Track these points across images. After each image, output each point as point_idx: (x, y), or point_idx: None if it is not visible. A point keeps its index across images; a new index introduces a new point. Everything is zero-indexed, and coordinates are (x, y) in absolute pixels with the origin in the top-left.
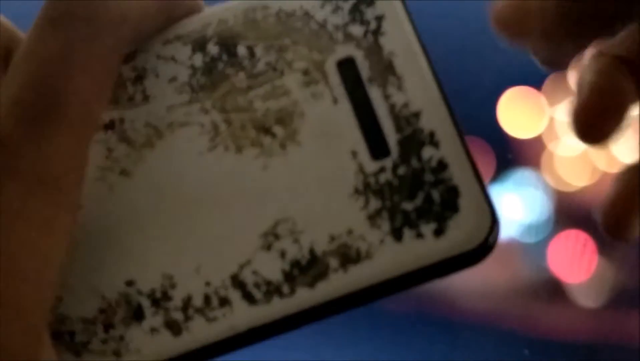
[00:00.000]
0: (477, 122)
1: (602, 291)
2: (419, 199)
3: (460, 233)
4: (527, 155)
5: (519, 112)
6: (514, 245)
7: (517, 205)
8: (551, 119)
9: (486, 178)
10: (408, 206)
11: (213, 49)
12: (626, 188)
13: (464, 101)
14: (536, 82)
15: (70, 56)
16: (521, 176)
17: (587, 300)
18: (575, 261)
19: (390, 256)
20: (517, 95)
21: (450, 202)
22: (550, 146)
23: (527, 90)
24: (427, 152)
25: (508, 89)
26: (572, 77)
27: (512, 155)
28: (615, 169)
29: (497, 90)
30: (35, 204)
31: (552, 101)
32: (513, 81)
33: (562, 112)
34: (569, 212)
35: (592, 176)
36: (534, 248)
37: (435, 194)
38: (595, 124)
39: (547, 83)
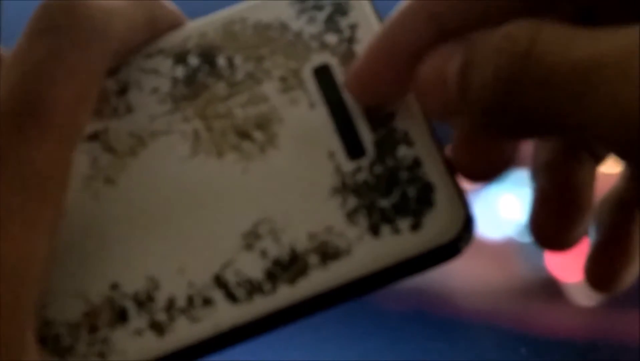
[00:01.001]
0: None
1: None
2: (395, 196)
3: (435, 226)
4: (524, 155)
5: None
6: (511, 245)
7: (515, 205)
8: None
9: None
10: (385, 202)
11: (194, 60)
12: (606, 242)
13: None
14: None
15: (55, 63)
16: (519, 176)
17: (584, 299)
18: (572, 261)
19: (369, 252)
20: None
21: (425, 197)
22: None
23: None
24: (402, 151)
25: None
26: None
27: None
28: (611, 170)
29: None
30: (18, 203)
31: None
32: None
33: None
34: None
35: None
36: (531, 248)
37: (411, 191)
38: (610, 277)
39: None
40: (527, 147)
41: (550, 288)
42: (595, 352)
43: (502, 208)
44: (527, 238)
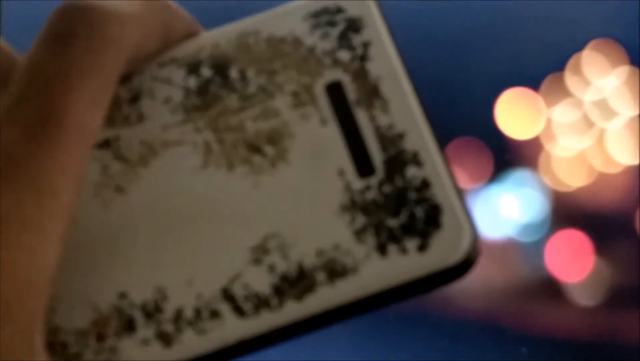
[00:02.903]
0: (475, 123)
1: (599, 290)
2: (403, 216)
3: (442, 248)
4: (524, 156)
5: (517, 114)
6: (511, 245)
7: (515, 205)
8: (548, 120)
9: (484, 179)
10: (393, 222)
11: (206, 71)
12: None
13: (462, 103)
14: (534, 84)
15: (69, 70)
16: (519, 176)
17: (584, 299)
18: (572, 261)
19: (375, 271)
20: (515, 96)
21: (433, 219)
22: (548, 146)
23: (524, 91)
24: (411, 171)
25: (506, 91)
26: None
27: (509, 156)
28: (611, 170)
29: (495, 91)
30: (30, 211)
31: (550, 102)
32: (511, 83)
33: (560, 113)
34: (566, 212)
35: (588, 176)
36: (531, 248)
37: (419, 212)
38: None
39: (545, 85)
40: (527, 148)
41: (551, 288)
42: (596, 352)
43: (502, 208)
44: (526, 238)
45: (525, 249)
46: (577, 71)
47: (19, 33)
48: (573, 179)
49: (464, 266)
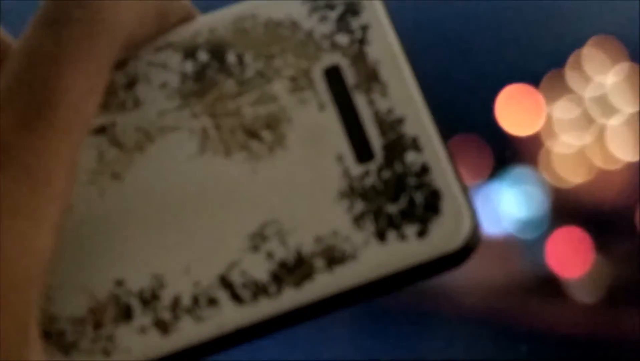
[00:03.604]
0: (475, 119)
1: (599, 286)
2: (403, 202)
3: (441, 234)
4: (524, 152)
5: (517, 110)
6: (511, 241)
7: (515, 202)
8: (549, 117)
9: (484, 175)
10: (392, 208)
11: (203, 56)
12: None
13: (462, 99)
14: (534, 80)
15: (63, 55)
16: (519, 173)
17: (584, 296)
18: (572, 257)
19: (374, 257)
20: (515, 93)
21: (432, 205)
22: (548, 143)
23: (525, 88)
24: (410, 156)
25: (506, 87)
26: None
27: (510, 152)
28: (611, 166)
29: (495, 88)
30: (24, 196)
31: (550, 99)
32: (511, 79)
33: (560, 110)
34: (566, 208)
35: (588, 173)
36: (531, 244)
37: (418, 197)
38: None
39: (545, 81)
40: (527, 145)
41: (551, 285)
42: (595, 349)
43: (502, 205)
44: (526, 235)
45: (525, 246)
46: (578, 68)
47: (19, 33)
48: (573, 176)
49: (464, 252)
